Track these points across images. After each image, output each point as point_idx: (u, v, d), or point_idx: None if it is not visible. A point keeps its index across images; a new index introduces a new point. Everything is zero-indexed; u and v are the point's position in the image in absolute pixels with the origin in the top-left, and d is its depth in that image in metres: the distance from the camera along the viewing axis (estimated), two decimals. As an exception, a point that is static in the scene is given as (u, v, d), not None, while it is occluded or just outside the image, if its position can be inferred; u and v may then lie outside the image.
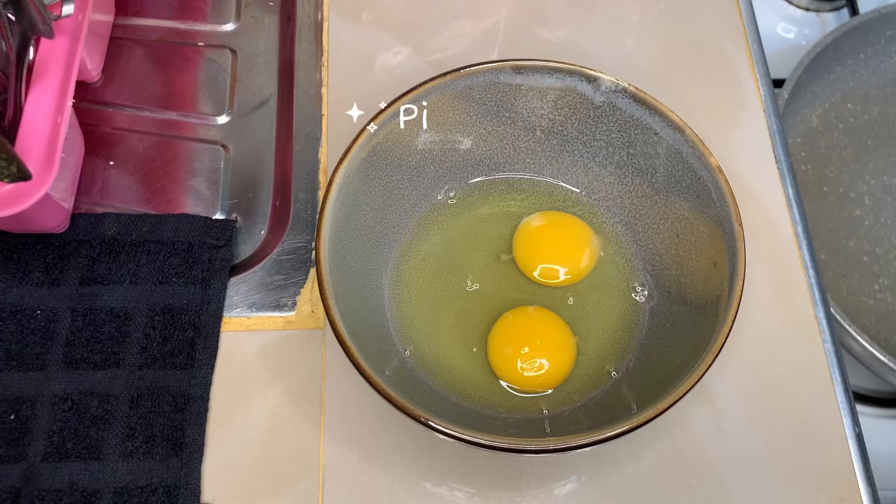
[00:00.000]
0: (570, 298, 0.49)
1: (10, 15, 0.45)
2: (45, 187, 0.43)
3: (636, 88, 0.47)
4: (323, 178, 0.54)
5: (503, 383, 0.47)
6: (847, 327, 0.60)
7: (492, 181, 0.52)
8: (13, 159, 0.40)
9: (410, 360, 0.47)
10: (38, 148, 0.44)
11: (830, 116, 0.75)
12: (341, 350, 0.41)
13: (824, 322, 0.50)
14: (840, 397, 0.48)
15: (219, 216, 0.54)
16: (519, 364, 0.46)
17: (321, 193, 0.53)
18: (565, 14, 0.61)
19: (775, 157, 0.56)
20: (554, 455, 0.39)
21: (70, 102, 0.46)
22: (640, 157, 0.49)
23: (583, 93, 0.48)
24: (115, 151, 0.56)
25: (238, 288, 0.50)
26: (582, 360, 0.47)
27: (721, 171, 0.45)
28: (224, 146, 0.57)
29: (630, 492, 0.46)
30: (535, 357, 0.46)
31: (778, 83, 0.65)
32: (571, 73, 0.48)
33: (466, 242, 0.51)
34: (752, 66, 0.59)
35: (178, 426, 0.45)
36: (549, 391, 0.46)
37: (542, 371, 0.46)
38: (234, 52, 0.61)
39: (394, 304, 0.48)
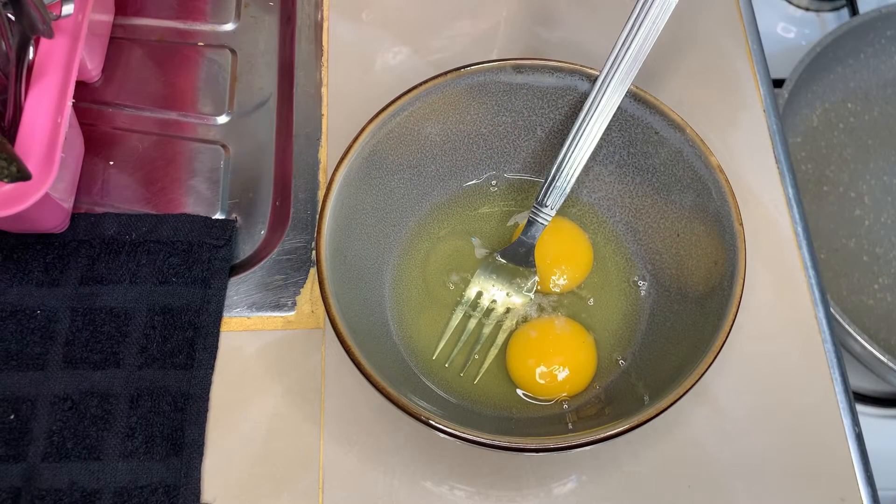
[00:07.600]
0: (571, 300, 0.49)
1: (9, 14, 0.45)
2: (44, 187, 0.43)
3: (636, 87, 0.47)
4: (323, 178, 0.54)
5: (520, 392, 0.46)
6: (847, 327, 0.60)
7: (491, 181, 0.52)
8: (13, 159, 0.40)
9: (411, 360, 0.47)
10: (38, 148, 0.44)
11: (830, 116, 0.75)
12: (341, 350, 0.41)
13: (824, 322, 0.50)
14: (840, 397, 0.48)
15: (219, 216, 0.54)
16: (539, 372, 0.46)
17: (321, 193, 0.53)
18: (565, 14, 0.61)
19: (775, 156, 0.56)
20: (554, 454, 0.39)
21: (70, 102, 0.46)
22: (641, 156, 0.49)
23: (583, 92, 0.48)
24: (115, 151, 0.56)
25: (238, 288, 0.50)
26: (582, 359, 0.47)
27: (721, 170, 0.45)
28: (224, 146, 0.57)
29: (630, 492, 0.46)
30: (556, 366, 0.46)
31: (778, 83, 0.65)
32: (571, 72, 0.48)
33: (466, 242, 0.51)
34: (752, 66, 0.59)
35: (177, 426, 0.45)
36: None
37: (566, 382, 0.46)
38: (233, 52, 0.61)
39: (394, 304, 0.48)
